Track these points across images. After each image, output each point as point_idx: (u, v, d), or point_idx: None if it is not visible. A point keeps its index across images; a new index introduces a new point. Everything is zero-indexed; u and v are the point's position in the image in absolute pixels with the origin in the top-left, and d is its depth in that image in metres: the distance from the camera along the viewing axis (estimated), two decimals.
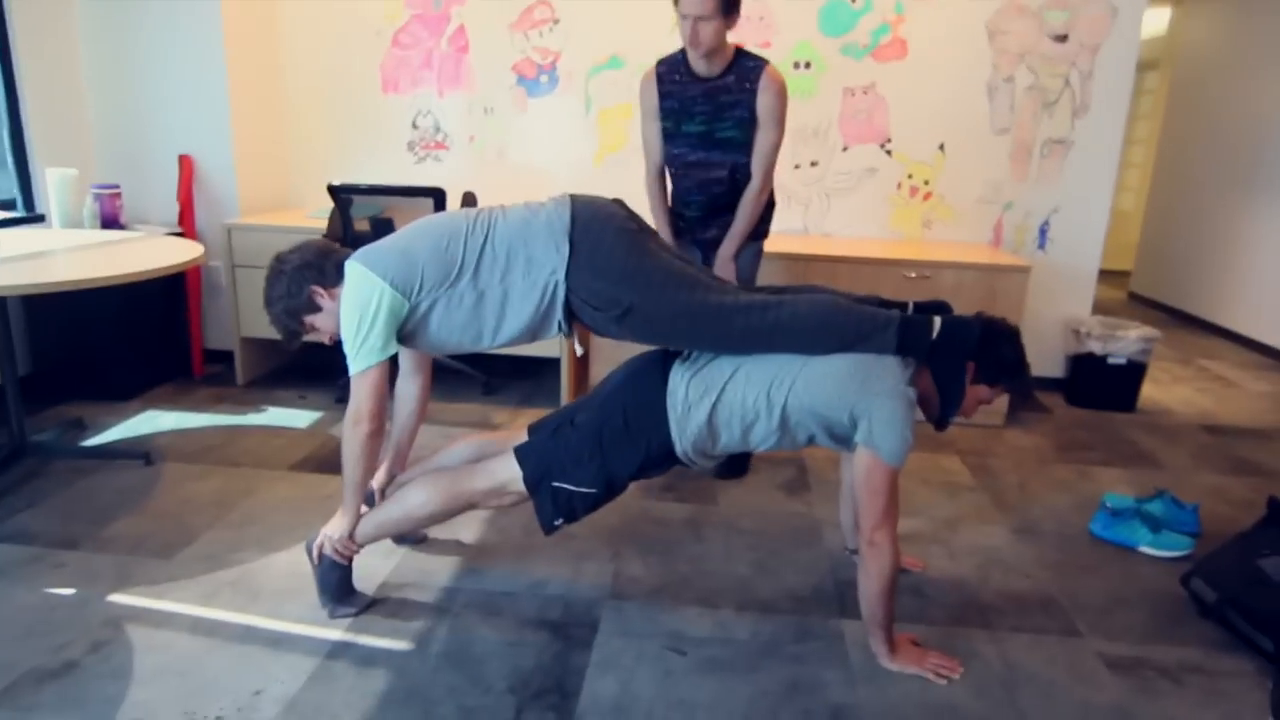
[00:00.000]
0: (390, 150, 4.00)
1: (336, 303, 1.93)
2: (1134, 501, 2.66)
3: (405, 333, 1.92)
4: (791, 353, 1.87)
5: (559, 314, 1.90)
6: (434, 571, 2.21)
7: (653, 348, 2.03)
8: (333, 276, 1.93)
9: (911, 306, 2.02)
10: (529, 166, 3.95)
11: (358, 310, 1.84)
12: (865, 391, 1.80)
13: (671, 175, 2.78)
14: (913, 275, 3.33)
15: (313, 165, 4.05)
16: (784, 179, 3.84)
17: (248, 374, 3.68)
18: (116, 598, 2.03)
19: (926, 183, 3.79)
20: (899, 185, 3.81)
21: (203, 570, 2.17)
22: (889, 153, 3.78)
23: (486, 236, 1.88)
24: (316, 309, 1.95)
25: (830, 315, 1.85)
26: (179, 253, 2.78)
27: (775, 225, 3.87)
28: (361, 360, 1.85)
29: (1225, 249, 5.25)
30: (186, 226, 3.65)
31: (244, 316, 3.57)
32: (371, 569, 2.16)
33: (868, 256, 3.37)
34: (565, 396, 3.51)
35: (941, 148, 3.75)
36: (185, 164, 3.63)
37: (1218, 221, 5.35)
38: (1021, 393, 1.91)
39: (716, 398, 1.87)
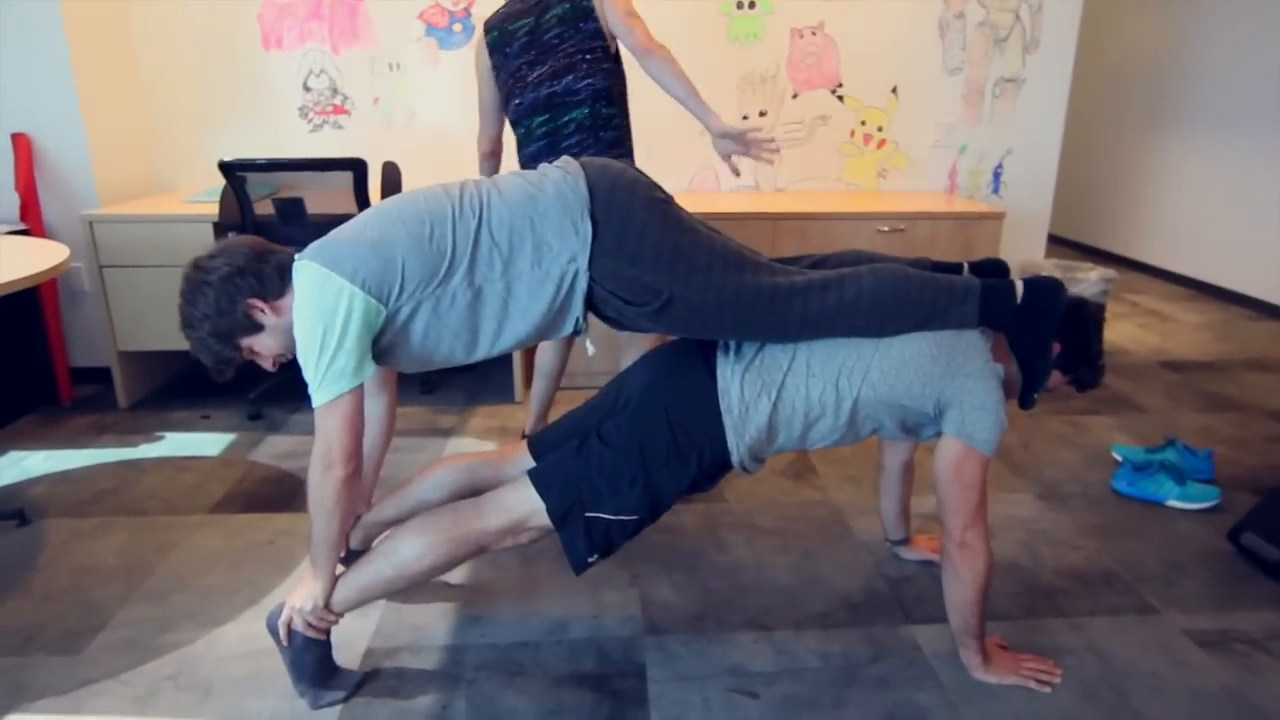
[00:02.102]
0: (278, 118, 3.42)
1: (283, 317, 1.49)
2: (1145, 452, 2.56)
3: (380, 348, 1.51)
4: (857, 336, 1.58)
5: (578, 310, 1.54)
6: (427, 627, 1.82)
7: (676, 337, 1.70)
8: (275, 284, 1.49)
9: (966, 268, 1.77)
10: (445, 130, 3.47)
11: (320, 324, 1.41)
12: (951, 375, 1.54)
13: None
14: (885, 229, 3.12)
15: (185, 140, 3.42)
16: None
17: (131, 394, 3.08)
18: None
19: (880, 129, 3.58)
20: (852, 133, 3.58)
21: (127, 664, 1.69)
22: (840, 98, 3.53)
23: (481, 219, 1.48)
24: (256, 328, 1.50)
25: (902, 290, 1.57)
26: (37, 256, 2.21)
27: (727, 183, 3.60)
28: (330, 388, 1.43)
29: (1137, 184, 5.36)
30: (32, 221, 2.98)
31: (120, 326, 2.97)
32: (348, 634, 1.75)
33: (839, 211, 3.13)
34: (519, 391, 3.12)
35: (894, 91, 3.53)
36: (21, 144, 2.95)
37: (1128, 157, 5.45)
38: (1089, 386, 1.68)
39: (776, 394, 1.56)
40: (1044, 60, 3.54)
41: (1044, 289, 1.60)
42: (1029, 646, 1.76)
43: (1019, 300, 1.60)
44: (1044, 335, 1.59)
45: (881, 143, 3.59)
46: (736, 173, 2.15)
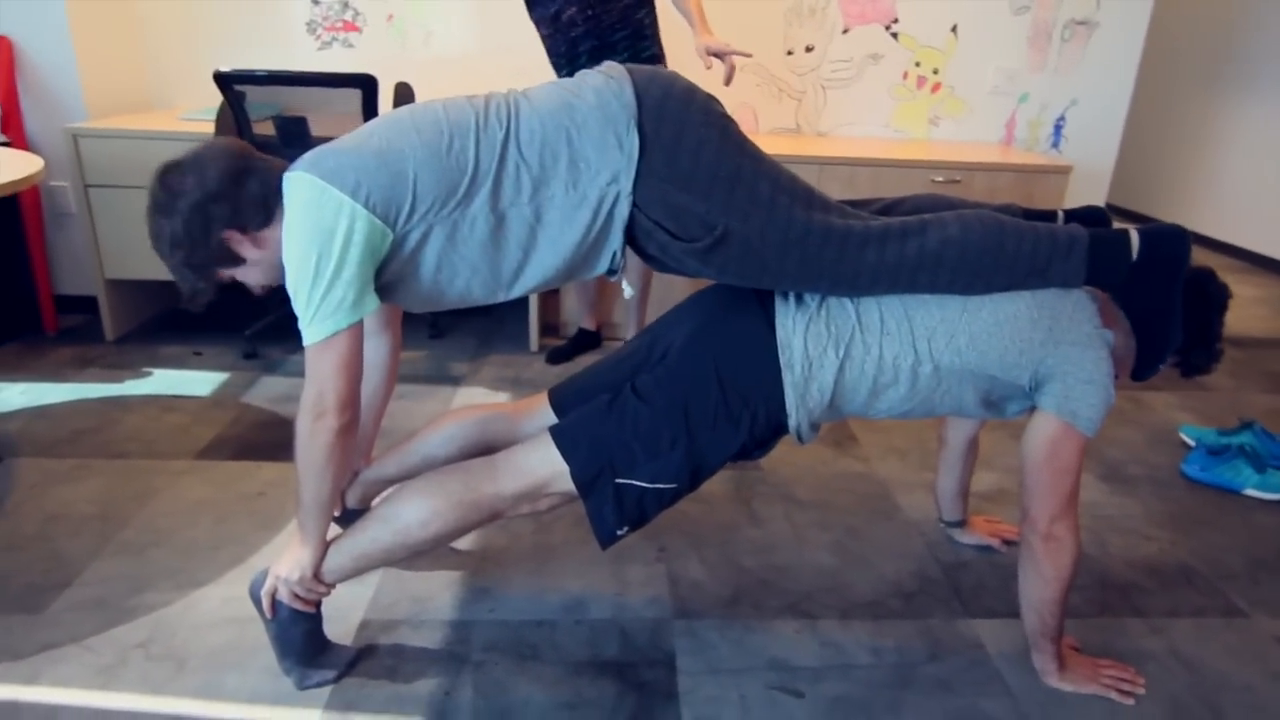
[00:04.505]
0: (284, 33, 3.15)
1: (268, 250, 1.28)
2: (1218, 434, 2.34)
3: (384, 281, 1.29)
4: (939, 293, 1.35)
5: (615, 243, 1.31)
6: (431, 599, 1.63)
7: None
8: (257, 211, 1.26)
9: (1062, 217, 1.54)
10: (463, 54, 3.19)
11: (315, 247, 1.19)
12: (1055, 341, 1.32)
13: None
14: (940, 179, 2.85)
15: (181, 53, 3.15)
16: (774, 68, 3.25)
17: (119, 326, 2.87)
18: None
19: (936, 72, 3.28)
20: (905, 75, 3.29)
21: (94, 628, 1.51)
22: (895, 36, 3.23)
23: (508, 130, 1.25)
24: (237, 261, 1.29)
25: (995, 241, 1.33)
26: (8, 167, 1.98)
27: (766, 125, 3.33)
28: (324, 324, 1.21)
29: (1196, 152, 5.04)
30: (13, 132, 2.74)
31: (107, 252, 2.75)
32: (343, 603, 1.56)
33: (888, 158, 2.87)
34: (534, 339, 2.90)
35: (954, 30, 3.23)
36: (1, 48, 2.70)
37: (1184, 119, 5.12)
38: (1200, 371, 1.44)
39: (845, 351, 1.34)
40: (1120, 1, 3.22)
41: (1166, 238, 1.36)
42: (1105, 649, 1.56)
43: (1135, 254, 1.36)
44: (1169, 293, 1.34)
45: (936, 86, 3.30)
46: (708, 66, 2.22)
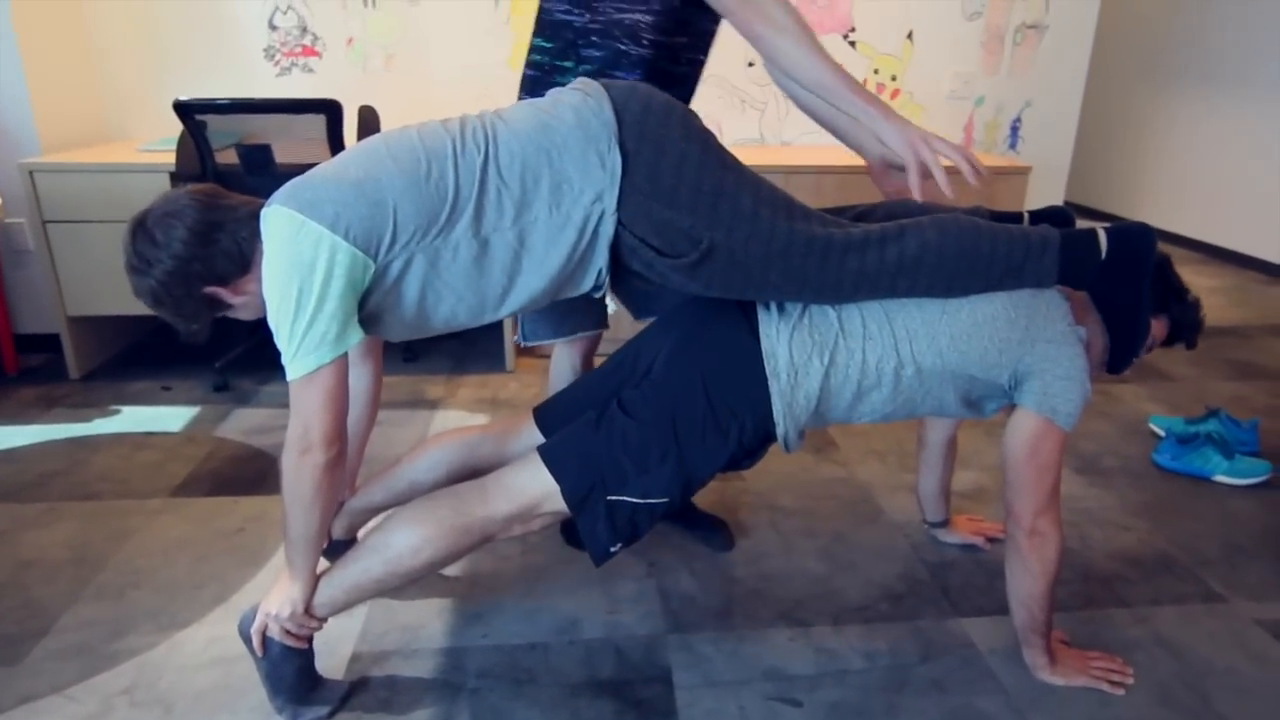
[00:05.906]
0: (241, 60, 3.11)
1: (254, 291, 1.28)
2: (1185, 423, 2.40)
3: (366, 313, 1.28)
4: (919, 297, 1.38)
5: (600, 261, 1.31)
6: (421, 627, 1.61)
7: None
8: (232, 264, 1.26)
9: (1027, 218, 1.58)
10: (426, 75, 3.18)
11: (295, 280, 1.17)
12: (1032, 340, 1.35)
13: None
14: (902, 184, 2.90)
15: (136, 83, 3.10)
16: (737, 80, 3.29)
17: (83, 364, 2.81)
18: None
19: (894, 78, 3.35)
20: (864, 82, 3.33)
21: (75, 675, 1.47)
22: (853, 44, 3.29)
23: (487, 154, 1.24)
24: (225, 306, 1.32)
25: (971, 244, 1.36)
26: None
27: (729, 137, 3.36)
28: (308, 358, 1.19)
29: (1145, 148, 5.18)
30: None
31: (68, 289, 2.68)
32: (331, 637, 1.54)
33: (852, 165, 2.90)
34: (510, 359, 2.89)
35: (910, 36, 3.30)
36: None
37: (1135, 115, 5.27)
38: (1191, 328, 1.51)
39: (829, 357, 1.35)
40: (1068, 4, 3.31)
41: (1133, 236, 1.40)
42: (1093, 641, 1.59)
43: (1104, 252, 1.40)
44: (1138, 290, 1.40)
45: (895, 93, 3.36)
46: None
